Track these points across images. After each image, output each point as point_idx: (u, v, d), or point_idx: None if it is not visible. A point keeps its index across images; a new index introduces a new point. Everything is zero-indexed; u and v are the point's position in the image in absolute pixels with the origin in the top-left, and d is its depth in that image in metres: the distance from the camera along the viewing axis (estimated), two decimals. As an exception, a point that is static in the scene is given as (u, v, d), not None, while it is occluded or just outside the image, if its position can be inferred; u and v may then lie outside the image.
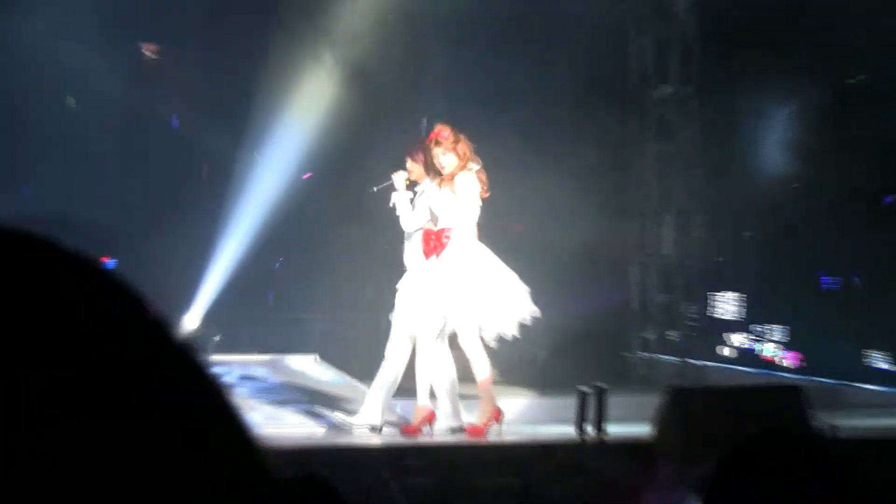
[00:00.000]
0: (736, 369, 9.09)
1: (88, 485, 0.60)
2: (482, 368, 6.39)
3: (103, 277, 0.66)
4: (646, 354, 10.02)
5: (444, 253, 6.38)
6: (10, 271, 0.64)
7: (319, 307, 9.68)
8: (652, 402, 5.63)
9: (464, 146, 6.43)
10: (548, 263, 9.27)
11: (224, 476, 0.64)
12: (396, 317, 6.61)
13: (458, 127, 6.58)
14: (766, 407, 5.48)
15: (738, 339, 9.43)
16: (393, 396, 6.66)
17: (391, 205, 6.64)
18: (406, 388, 6.62)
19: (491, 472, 5.61)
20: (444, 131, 6.45)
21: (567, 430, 6.17)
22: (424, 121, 6.79)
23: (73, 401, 0.61)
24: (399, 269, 6.69)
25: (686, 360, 9.55)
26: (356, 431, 6.49)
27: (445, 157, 6.41)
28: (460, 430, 6.45)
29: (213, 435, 0.65)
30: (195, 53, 9.86)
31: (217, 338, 9.22)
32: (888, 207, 8.23)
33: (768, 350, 9.16)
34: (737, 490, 1.68)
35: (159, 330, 0.66)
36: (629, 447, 5.72)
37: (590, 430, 6.08)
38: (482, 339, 6.40)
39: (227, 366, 8.17)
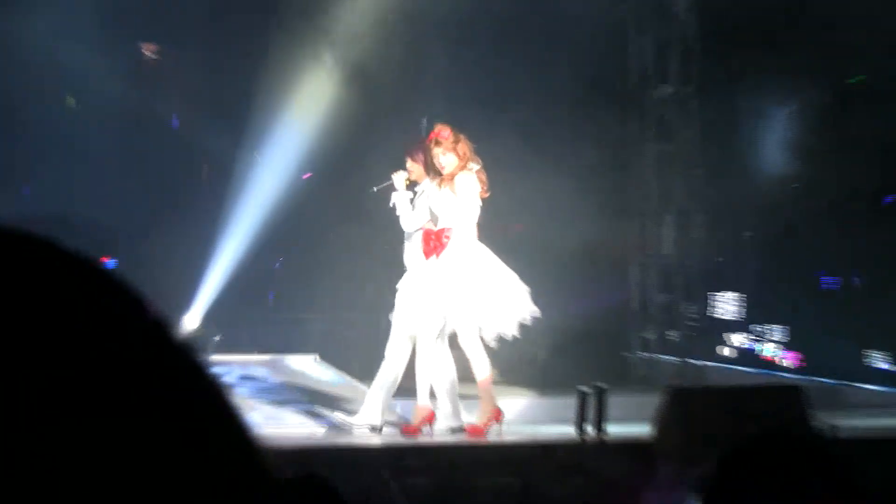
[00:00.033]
0: (736, 369, 9.09)
1: (88, 485, 0.60)
2: (482, 368, 6.39)
3: (103, 277, 0.66)
4: (646, 354, 10.01)
5: (444, 253, 6.39)
6: (10, 271, 0.64)
7: (319, 307, 9.67)
8: (652, 402, 5.63)
9: (464, 146, 6.43)
10: (548, 263, 9.27)
11: (224, 476, 0.64)
12: (396, 317, 6.61)
13: (459, 127, 6.58)
14: (766, 407, 5.48)
15: (738, 339, 9.42)
16: (393, 396, 6.66)
17: (391, 205, 6.65)
18: (406, 388, 6.62)
19: (491, 472, 5.61)
20: (444, 131, 6.46)
21: (567, 430, 6.16)
22: (424, 121, 6.79)
23: (72, 401, 0.61)
24: (399, 269, 6.70)
25: (686, 360, 9.55)
26: (356, 431, 6.49)
27: (445, 157, 6.42)
28: (460, 430, 6.45)
29: (213, 435, 0.65)
30: (195, 53, 9.86)
31: (217, 338, 9.22)
32: (888, 207, 8.23)
33: (768, 350, 9.16)
34: (737, 490, 1.68)
35: (159, 330, 0.66)
36: (629, 447, 5.72)
37: (590, 430, 6.08)
38: (482, 339, 6.40)
39: (227, 366, 8.17)
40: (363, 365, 7.59)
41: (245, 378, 8.05)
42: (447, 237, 6.40)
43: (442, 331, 6.40)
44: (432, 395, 6.51)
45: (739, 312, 9.49)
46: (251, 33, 9.71)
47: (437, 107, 8.60)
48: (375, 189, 6.74)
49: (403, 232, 6.66)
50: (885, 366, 8.10)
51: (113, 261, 8.99)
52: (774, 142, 9.14)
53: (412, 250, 6.59)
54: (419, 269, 6.50)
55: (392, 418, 6.77)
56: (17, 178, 9.66)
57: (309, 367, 8.70)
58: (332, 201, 9.54)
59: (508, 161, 8.93)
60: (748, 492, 1.67)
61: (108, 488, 0.60)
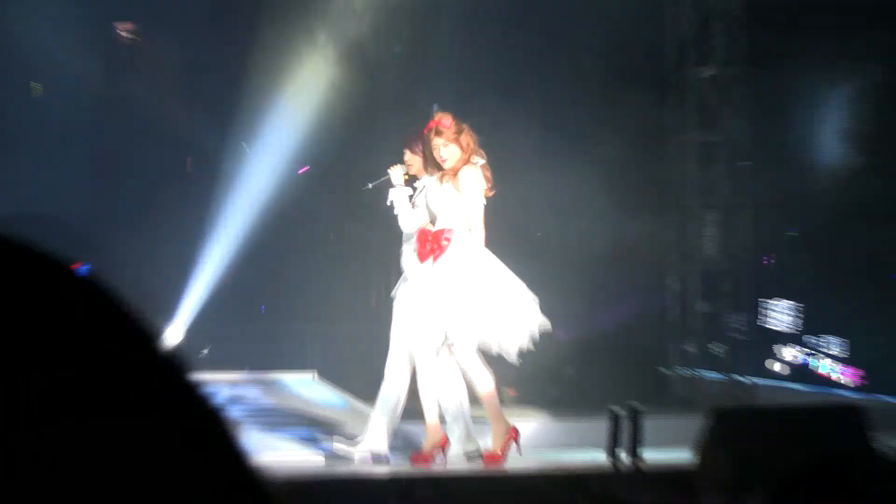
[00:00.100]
0: (788, 387, 9.07)
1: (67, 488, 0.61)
2: (484, 385, 6.37)
3: (76, 284, 0.67)
4: (686, 370, 10.00)
5: (442, 257, 6.35)
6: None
7: (317, 318, 9.69)
8: (693, 424, 5.61)
9: (467, 137, 6.41)
10: (574, 269, 9.27)
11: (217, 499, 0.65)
12: (394, 330, 6.61)
13: (470, 113, 6.58)
14: (823, 430, 5.46)
15: (791, 353, 9.40)
16: (400, 419, 6.67)
17: (388, 202, 6.66)
18: (415, 409, 6.63)
19: (512, 504, 5.61)
20: (445, 119, 6.43)
21: (598, 457, 6.16)
22: (436, 107, 6.79)
23: (43, 414, 0.63)
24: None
25: (732, 376, 9.53)
26: (359, 460, 6.49)
27: (447, 149, 6.40)
28: (477, 455, 6.44)
29: (202, 466, 0.65)
30: (176, 34, 9.89)
31: (203, 353, 9.24)
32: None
33: (825, 366, 9.13)
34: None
35: (142, 342, 0.67)
36: (668, 476, 5.71)
37: (623, 456, 6.07)
38: (482, 353, 6.39)
39: (215, 385, 8.19)
40: (367, 383, 7.59)
41: (234, 399, 8.07)
42: (447, 239, 6.36)
43: (444, 344, 6.39)
44: (443, 417, 6.51)
45: (792, 323, 9.47)
46: (238, 11, 9.74)
47: (445, 91, 8.61)
48: (370, 185, 6.75)
49: (402, 233, 6.67)
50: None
51: (86, 266, 9.02)
52: (832, 129, 9.12)
53: (411, 253, 6.59)
54: (414, 275, 6.50)
55: (400, 444, 6.77)
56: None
57: (306, 386, 8.71)
58: (332, 199, 9.55)
59: (526, 152, 8.94)
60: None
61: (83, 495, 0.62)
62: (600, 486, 5.74)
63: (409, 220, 6.60)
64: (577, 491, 5.67)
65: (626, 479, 5.91)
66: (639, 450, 6.05)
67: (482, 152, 6.47)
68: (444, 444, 6.49)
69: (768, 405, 8.21)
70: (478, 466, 6.38)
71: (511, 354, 6.36)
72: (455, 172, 6.38)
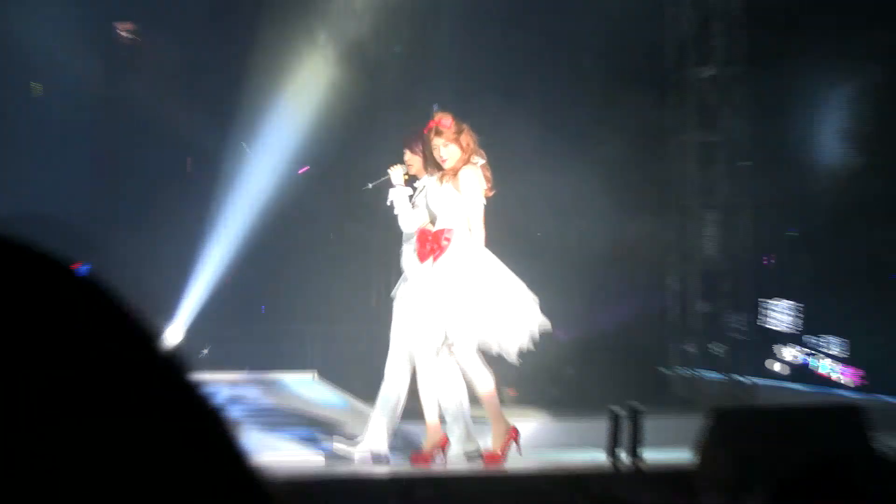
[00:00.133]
0: (788, 387, 9.06)
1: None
2: (484, 385, 6.37)
3: (77, 286, 0.67)
4: (686, 370, 9.99)
5: (441, 257, 6.36)
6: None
7: (318, 318, 9.68)
8: (693, 424, 5.61)
9: (467, 137, 6.42)
10: (574, 268, 9.27)
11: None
12: (394, 330, 6.62)
13: (470, 113, 6.59)
14: (824, 430, 5.46)
15: (791, 353, 9.40)
16: (400, 419, 6.67)
17: (388, 202, 6.66)
18: (415, 409, 6.63)
19: (512, 504, 5.60)
20: (444, 119, 6.44)
21: (598, 457, 6.16)
22: (436, 107, 6.80)
23: (42, 414, 0.63)
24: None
25: (732, 376, 9.53)
26: (359, 460, 6.49)
27: (447, 149, 6.40)
28: (477, 454, 6.44)
29: (202, 466, 0.65)
30: (176, 34, 9.89)
31: (203, 353, 9.24)
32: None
33: (825, 366, 9.13)
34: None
35: (141, 345, 0.67)
36: (668, 476, 5.70)
37: (623, 456, 6.07)
38: (481, 353, 6.39)
39: (215, 385, 8.19)
40: (367, 383, 7.59)
41: (234, 399, 8.07)
42: (447, 239, 6.37)
43: (444, 344, 6.39)
44: (443, 417, 6.51)
45: (792, 323, 9.46)
46: (238, 11, 9.74)
47: (445, 91, 8.61)
48: (370, 185, 6.76)
49: (402, 233, 6.67)
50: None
51: (86, 266, 9.02)
52: (832, 129, 9.12)
53: (411, 254, 6.60)
54: (414, 275, 6.50)
55: (400, 444, 6.77)
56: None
57: (306, 386, 8.71)
58: (332, 199, 9.55)
59: (527, 152, 8.94)
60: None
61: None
62: (600, 486, 5.74)
63: (409, 220, 6.60)
64: (577, 491, 5.67)
65: (626, 479, 5.91)
66: (639, 450, 6.05)
67: (482, 152, 6.47)
68: (444, 444, 6.49)
69: (768, 405, 8.21)
70: (478, 466, 6.38)
71: (511, 354, 6.36)
72: (455, 172, 6.39)
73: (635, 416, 6.08)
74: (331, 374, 8.89)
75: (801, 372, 9.25)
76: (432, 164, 6.47)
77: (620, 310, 9.54)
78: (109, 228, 9.46)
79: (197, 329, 9.41)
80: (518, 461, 6.44)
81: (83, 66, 9.61)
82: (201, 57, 9.83)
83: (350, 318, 9.45)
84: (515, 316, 6.33)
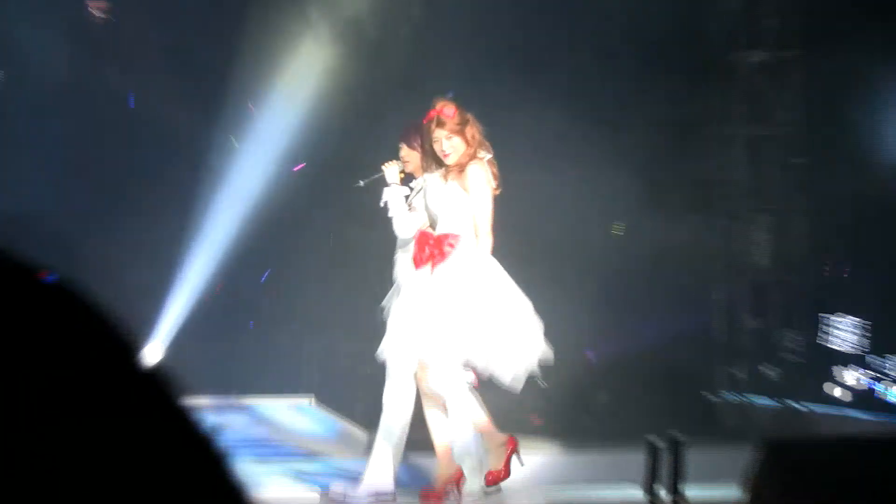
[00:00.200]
0: (850, 415, 9.04)
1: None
2: (461, 416, 6.34)
3: (44, 295, 0.68)
4: (734, 396, 9.98)
5: (441, 265, 6.32)
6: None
7: (314, 335, 9.69)
8: (742, 457, 5.60)
9: (472, 129, 6.40)
10: (604, 280, 9.26)
11: None
12: (387, 349, 6.59)
13: (483, 100, 6.59)
14: (891, 465, 5.45)
15: (854, 377, 9.37)
16: (405, 451, 6.67)
17: (382, 203, 6.64)
18: (426, 439, 6.63)
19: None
20: (447, 108, 6.43)
21: (633, 494, 6.15)
22: (451, 94, 6.80)
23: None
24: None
25: (786, 402, 9.51)
26: (363, 502, 6.49)
27: (450, 142, 6.39)
28: (495, 490, 6.45)
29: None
30: (156, 13, 9.92)
31: (183, 375, 9.24)
32: None
33: (894, 393, 9.10)
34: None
35: (116, 359, 0.68)
36: (713, 515, 5.70)
37: (662, 493, 6.06)
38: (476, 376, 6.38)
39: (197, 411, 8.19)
40: (370, 408, 7.60)
41: (219, 427, 8.07)
42: (450, 245, 6.33)
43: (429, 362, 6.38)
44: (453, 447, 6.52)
45: (856, 342, 9.44)
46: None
47: (456, 76, 8.62)
48: (362, 183, 6.76)
49: (397, 239, 6.67)
50: None
51: (53, 275, 9.03)
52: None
53: (407, 261, 6.59)
54: (407, 284, 6.48)
55: (407, 479, 6.77)
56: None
57: (301, 412, 8.71)
58: (331, 199, 9.55)
59: (548, 146, 8.93)
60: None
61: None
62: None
63: (406, 223, 6.58)
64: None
65: (665, 518, 5.90)
66: (680, 485, 6.04)
67: (488, 145, 6.44)
68: (458, 479, 6.48)
69: (828, 436, 8.18)
70: (496, 501, 6.38)
71: (503, 382, 6.34)
72: (461, 169, 6.37)
73: (676, 448, 6.08)
74: (330, 399, 8.89)
75: (865, 398, 9.22)
76: (433, 159, 6.44)
77: (658, 327, 9.53)
78: (80, 232, 9.48)
79: (176, 347, 9.42)
80: (549, 498, 6.45)
81: (50, 48, 9.64)
82: (184, 40, 9.85)
83: (352, 335, 9.45)
84: (514, 340, 6.29)
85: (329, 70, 9.71)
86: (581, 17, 9.69)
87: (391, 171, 6.68)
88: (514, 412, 8.17)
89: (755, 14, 9.91)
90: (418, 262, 6.43)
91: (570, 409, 8.44)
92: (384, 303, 6.74)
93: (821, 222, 9.66)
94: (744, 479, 5.65)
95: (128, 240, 9.35)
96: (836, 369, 9.50)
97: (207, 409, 8.46)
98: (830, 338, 9.63)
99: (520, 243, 7.12)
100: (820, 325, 9.67)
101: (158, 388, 0.73)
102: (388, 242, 7.08)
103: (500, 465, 6.38)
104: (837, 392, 9.48)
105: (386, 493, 6.53)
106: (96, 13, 10.15)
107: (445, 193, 6.39)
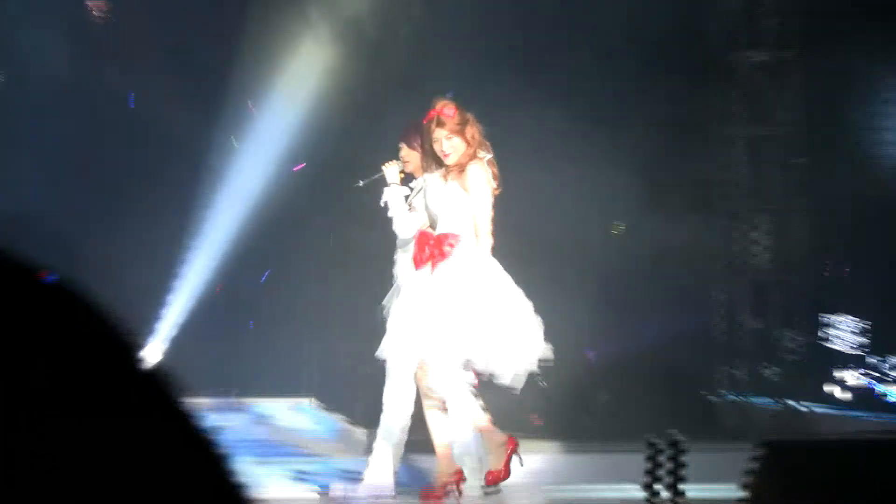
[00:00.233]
0: (851, 415, 9.04)
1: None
2: (462, 415, 6.35)
3: (44, 295, 0.68)
4: (734, 396, 9.97)
5: (441, 265, 6.32)
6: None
7: (314, 335, 9.69)
8: (742, 457, 5.60)
9: (472, 128, 6.41)
10: (605, 281, 9.26)
11: None
12: (387, 349, 6.59)
13: (484, 99, 6.59)
14: (892, 466, 5.45)
15: (854, 377, 9.37)
16: (405, 450, 6.67)
17: (382, 203, 6.65)
18: (425, 439, 6.63)
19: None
20: (447, 108, 6.44)
21: (633, 494, 6.15)
22: (451, 94, 6.80)
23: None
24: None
25: (786, 402, 9.51)
26: (363, 502, 6.50)
27: (450, 142, 6.39)
28: (495, 490, 6.45)
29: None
30: (156, 12, 9.91)
31: (183, 375, 9.24)
32: None
33: (893, 393, 9.10)
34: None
35: (115, 358, 0.68)
36: (713, 516, 5.70)
37: (662, 493, 6.06)
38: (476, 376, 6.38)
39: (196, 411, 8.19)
40: (371, 408, 7.60)
41: (219, 427, 8.07)
42: (450, 245, 6.34)
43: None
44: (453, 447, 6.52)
45: (857, 342, 9.44)
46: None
47: (457, 75, 8.61)
48: (362, 183, 6.76)
49: (398, 238, 6.67)
50: None
51: (53, 276, 9.03)
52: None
53: (407, 261, 6.59)
54: (407, 284, 6.49)
55: (407, 479, 6.77)
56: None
57: (301, 412, 8.71)
58: (331, 200, 9.55)
59: (546, 145, 8.93)
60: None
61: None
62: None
63: (406, 223, 6.58)
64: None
65: (665, 519, 5.90)
66: (680, 486, 6.04)
67: (488, 145, 6.45)
68: (458, 479, 6.48)
69: (828, 436, 8.18)
70: (498, 501, 6.38)
71: (503, 382, 6.35)
72: (461, 169, 6.38)
73: (676, 448, 6.08)
74: (330, 399, 8.89)
75: (865, 398, 9.22)
76: (432, 159, 6.45)
77: (658, 327, 9.53)
78: (80, 232, 9.48)
79: (177, 347, 9.42)
80: (549, 498, 6.45)
81: (50, 48, 9.64)
82: (184, 39, 9.84)
83: (352, 335, 9.45)
84: (514, 340, 6.30)
85: (329, 70, 9.70)
86: (581, 17, 9.69)
87: (391, 171, 6.69)
88: (515, 412, 8.17)
89: (755, 14, 9.91)
90: (418, 262, 6.44)
91: (571, 409, 8.43)
92: (384, 303, 6.75)
93: (821, 222, 9.66)
94: (744, 479, 5.64)
95: (128, 240, 9.35)
96: (836, 369, 9.50)
97: (207, 409, 8.46)
98: (830, 338, 9.63)
99: (520, 243, 7.12)
100: (820, 325, 9.67)
101: (158, 389, 0.73)
102: (388, 242, 7.10)
103: (500, 465, 6.38)
104: (837, 392, 9.48)
105: (386, 494, 6.53)
106: (96, 13, 10.15)
107: (445, 193, 6.40)
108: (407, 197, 6.67)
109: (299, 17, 9.80)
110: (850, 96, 9.46)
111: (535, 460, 7.37)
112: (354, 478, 6.66)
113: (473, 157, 6.39)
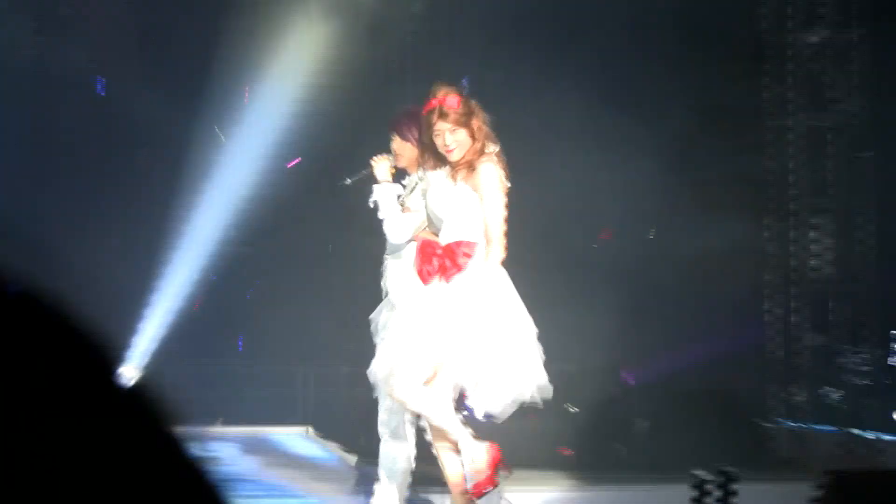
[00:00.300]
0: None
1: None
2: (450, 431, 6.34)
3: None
4: (792, 423, 9.97)
5: (456, 277, 6.26)
6: None
7: (310, 356, 9.70)
8: (801, 491, 5.59)
9: (478, 119, 6.34)
10: (642, 292, 9.26)
11: None
12: (380, 371, 6.55)
13: (500, 87, 6.58)
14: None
15: (928, 401, 9.37)
16: (412, 485, 6.68)
17: (371, 204, 6.61)
18: (428, 475, 6.63)
19: None
20: (450, 97, 6.37)
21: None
22: (466, 81, 6.78)
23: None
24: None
25: (851, 431, 9.50)
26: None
27: (454, 136, 6.33)
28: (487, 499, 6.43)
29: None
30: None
31: (162, 401, 9.25)
32: None
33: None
34: None
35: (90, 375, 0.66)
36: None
37: (711, 534, 6.06)
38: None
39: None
40: (375, 438, 7.60)
41: (206, 460, 8.07)
42: (466, 255, 6.27)
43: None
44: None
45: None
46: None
47: (471, 57, 8.64)
48: (348, 181, 6.73)
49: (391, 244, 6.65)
50: None
51: (15, 285, 9.05)
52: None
53: (399, 271, 6.55)
54: (410, 300, 6.41)
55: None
56: None
57: (297, 443, 8.74)
58: (329, 200, 9.56)
59: (572, 135, 8.93)
60: None
61: None
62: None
63: (400, 226, 6.53)
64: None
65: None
66: (731, 526, 6.05)
67: (494, 136, 6.38)
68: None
69: (898, 468, 8.20)
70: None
71: (490, 411, 6.31)
72: (472, 167, 6.31)
73: (726, 482, 6.08)
74: (328, 428, 8.90)
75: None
76: (433, 154, 6.38)
77: (705, 345, 9.53)
78: (47, 236, 9.50)
79: (155, 369, 9.44)
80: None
81: (11, 27, 9.67)
82: (164, 18, 9.87)
83: (353, 356, 9.46)
84: (510, 368, 6.22)
85: (329, 55, 9.73)
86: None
87: (381, 166, 6.62)
88: (539, 442, 8.16)
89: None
90: (426, 276, 6.35)
91: (605, 438, 8.42)
92: (372, 317, 6.72)
93: (889, 224, 9.64)
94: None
95: (101, 245, 9.36)
96: (907, 393, 9.50)
97: (190, 439, 8.46)
98: (900, 357, 9.63)
99: (542, 250, 7.10)
100: (890, 343, 9.66)
101: (134, 415, 0.72)
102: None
103: (484, 476, 6.34)
104: (909, 419, 9.48)
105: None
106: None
107: (455, 196, 6.32)
108: (400, 197, 6.62)
109: (298, 2, 9.84)
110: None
111: (564, 496, 7.36)
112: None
113: (482, 152, 6.31)
